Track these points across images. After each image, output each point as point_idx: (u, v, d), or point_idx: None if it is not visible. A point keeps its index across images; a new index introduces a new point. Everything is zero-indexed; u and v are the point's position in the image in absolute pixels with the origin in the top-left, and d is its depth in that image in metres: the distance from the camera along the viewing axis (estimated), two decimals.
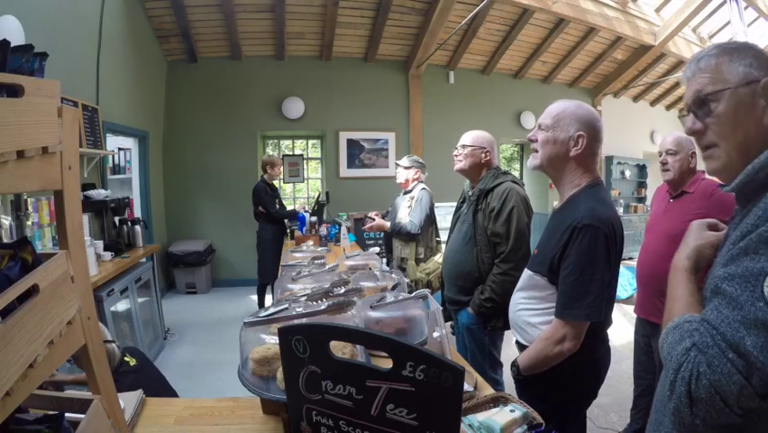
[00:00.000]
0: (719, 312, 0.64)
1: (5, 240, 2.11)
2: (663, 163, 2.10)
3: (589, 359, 1.29)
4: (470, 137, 2.14)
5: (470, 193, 2.14)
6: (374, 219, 3.32)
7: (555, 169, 1.33)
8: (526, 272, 1.39)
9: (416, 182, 3.11)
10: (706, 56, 0.77)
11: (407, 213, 2.97)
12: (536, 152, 1.33)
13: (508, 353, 1.79)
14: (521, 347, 1.40)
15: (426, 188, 3.04)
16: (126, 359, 1.70)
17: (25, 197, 2.45)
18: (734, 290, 0.63)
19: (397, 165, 3.22)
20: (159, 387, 1.76)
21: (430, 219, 2.95)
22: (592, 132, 1.28)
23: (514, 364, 1.36)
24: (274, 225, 4.33)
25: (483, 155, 2.09)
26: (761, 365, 0.57)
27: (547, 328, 1.28)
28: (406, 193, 3.12)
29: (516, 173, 7.88)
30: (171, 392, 1.83)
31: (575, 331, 1.21)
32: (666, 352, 0.70)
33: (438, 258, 2.87)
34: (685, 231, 0.89)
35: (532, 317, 1.35)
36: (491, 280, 1.94)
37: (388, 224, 3.19)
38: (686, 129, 0.81)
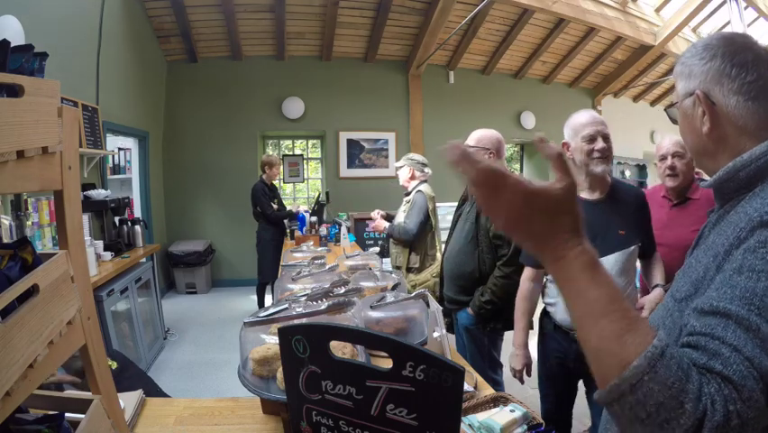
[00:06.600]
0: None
1: (5, 240, 2.11)
2: (672, 168, 1.93)
3: None
4: (474, 138, 2.09)
5: None
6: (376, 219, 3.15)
7: None
8: (620, 255, 1.52)
9: (413, 182, 2.91)
10: (678, 63, 0.77)
11: (404, 217, 2.82)
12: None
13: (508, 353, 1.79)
14: None
15: (422, 189, 2.82)
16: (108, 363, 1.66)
17: (25, 197, 2.45)
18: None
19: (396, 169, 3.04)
20: (144, 389, 1.72)
21: (428, 225, 2.76)
22: None
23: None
24: (274, 225, 4.32)
25: (487, 156, 2.05)
26: None
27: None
28: (406, 195, 2.96)
29: (517, 174, 7.87)
30: (160, 394, 1.79)
31: None
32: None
33: (432, 270, 2.65)
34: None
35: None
36: (492, 282, 1.94)
37: (385, 225, 3.02)
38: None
